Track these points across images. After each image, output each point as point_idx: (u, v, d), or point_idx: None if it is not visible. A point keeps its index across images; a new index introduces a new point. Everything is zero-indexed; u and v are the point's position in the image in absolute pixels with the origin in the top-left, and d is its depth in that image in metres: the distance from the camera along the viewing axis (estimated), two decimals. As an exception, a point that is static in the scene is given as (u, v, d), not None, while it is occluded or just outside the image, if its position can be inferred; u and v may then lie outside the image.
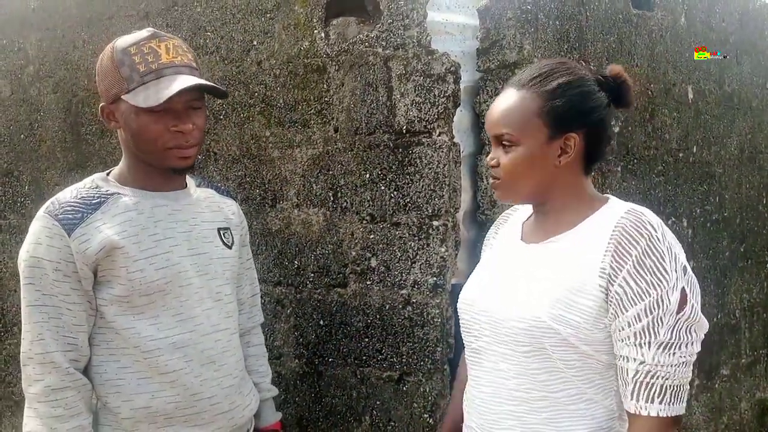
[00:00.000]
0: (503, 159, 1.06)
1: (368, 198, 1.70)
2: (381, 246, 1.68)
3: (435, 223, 1.62)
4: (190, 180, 1.36)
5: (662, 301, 0.96)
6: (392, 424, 1.68)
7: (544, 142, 1.04)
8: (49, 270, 1.15)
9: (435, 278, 1.62)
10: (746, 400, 2.88)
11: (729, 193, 2.70)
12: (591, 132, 1.06)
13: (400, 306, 1.66)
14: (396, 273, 1.66)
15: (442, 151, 1.61)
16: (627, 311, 0.97)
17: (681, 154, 2.41)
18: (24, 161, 2.41)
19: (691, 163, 2.46)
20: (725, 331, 2.69)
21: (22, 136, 2.41)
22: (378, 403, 1.70)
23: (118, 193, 1.23)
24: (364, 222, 1.71)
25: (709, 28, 2.54)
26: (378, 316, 1.69)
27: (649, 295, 0.96)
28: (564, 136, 1.04)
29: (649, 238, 0.97)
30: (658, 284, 0.96)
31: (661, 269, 0.96)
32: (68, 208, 1.18)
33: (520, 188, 1.07)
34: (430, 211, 1.62)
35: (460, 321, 1.16)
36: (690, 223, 2.45)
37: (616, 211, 1.03)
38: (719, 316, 2.65)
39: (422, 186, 1.63)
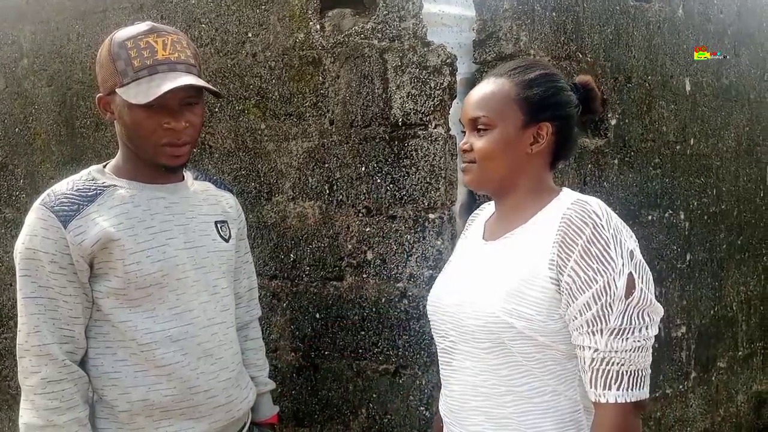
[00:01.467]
0: (477, 143, 1.09)
1: (364, 191, 1.70)
2: (377, 239, 1.68)
3: (431, 215, 1.61)
4: (187, 173, 1.35)
5: (609, 287, 0.97)
6: (388, 417, 1.69)
7: (519, 127, 1.08)
8: (45, 262, 1.15)
9: (431, 271, 1.61)
10: (743, 393, 2.89)
11: (726, 185, 2.70)
12: (561, 126, 1.10)
13: (396, 299, 1.66)
14: (392, 266, 1.66)
15: (438, 144, 1.60)
16: (577, 300, 0.98)
17: (678, 147, 2.41)
18: (19, 155, 2.40)
19: (688, 155, 2.46)
20: (722, 323, 2.70)
21: (16, 129, 2.40)
22: (374, 396, 1.71)
23: (115, 185, 1.23)
24: (360, 215, 1.70)
25: (707, 19, 2.53)
26: (374, 309, 1.69)
27: (597, 282, 0.97)
28: (537, 124, 1.08)
29: (594, 227, 0.99)
30: (604, 271, 0.97)
31: (606, 256, 0.98)
32: (64, 200, 1.17)
33: (492, 173, 1.09)
34: (426, 203, 1.62)
35: (430, 322, 1.19)
36: (687, 216, 2.45)
37: (564, 203, 1.05)
38: (716, 309, 2.65)
39: (418, 179, 1.62)
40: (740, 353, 2.85)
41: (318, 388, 1.80)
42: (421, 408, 1.64)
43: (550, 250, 1.01)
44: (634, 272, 0.98)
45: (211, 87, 1.23)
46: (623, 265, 0.97)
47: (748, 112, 2.84)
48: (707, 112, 2.56)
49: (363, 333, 1.71)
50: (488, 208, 1.25)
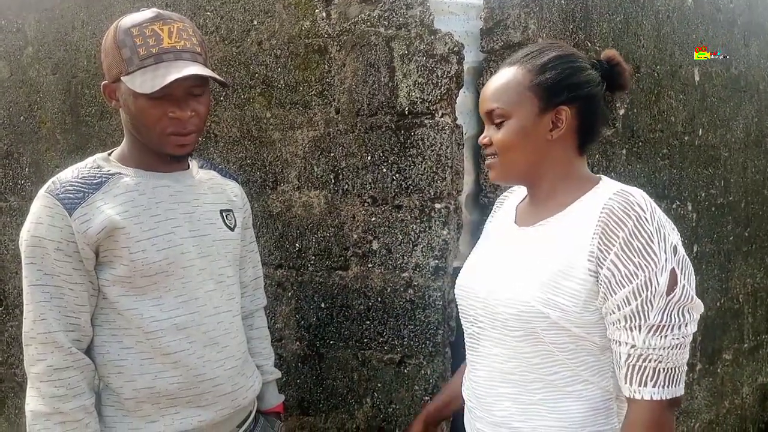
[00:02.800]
0: (496, 136, 1.07)
1: (370, 180, 1.69)
2: (383, 229, 1.67)
3: (437, 205, 1.61)
4: (192, 161, 1.35)
5: (650, 282, 0.94)
6: (393, 406, 1.69)
7: (536, 114, 1.05)
8: (50, 249, 1.14)
9: (437, 261, 1.61)
10: (748, 385, 2.89)
11: (734, 176, 2.68)
12: (583, 108, 1.06)
13: (402, 289, 1.66)
14: (398, 256, 1.66)
15: (445, 133, 1.59)
16: (616, 294, 0.96)
17: (686, 137, 2.39)
18: (24, 143, 2.40)
19: (696, 146, 2.44)
20: (728, 315, 2.69)
21: (21, 117, 2.40)
22: (379, 385, 1.71)
23: (120, 173, 1.22)
24: (366, 204, 1.70)
25: (716, 9, 2.50)
26: (379, 299, 1.69)
27: (637, 277, 0.95)
28: (555, 109, 1.05)
29: (637, 219, 0.96)
30: (646, 266, 0.94)
31: (648, 250, 0.95)
32: (69, 188, 1.17)
33: (515, 164, 1.07)
34: (432, 193, 1.61)
35: (458, 306, 1.17)
36: (694, 207, 2.44)
37: (605, 193, 1.02)
38: (722, 301, 2.64)
39: (424, 168, 1.61)
40: (746, 345, 2.84)
41: (323, 377, 1.80)
42: (426, 398, 1.64)
43: (590, 242, 0.98)
44: (677, 268, 0.95)
45: (217, 76, 1.22)
46: (666, 260, 0.94)
47: (758, 102, 2.82)
48: (716, 103, 2.54)
49: (368, 322, 1.71)
50: (518, 191, 1.22)
